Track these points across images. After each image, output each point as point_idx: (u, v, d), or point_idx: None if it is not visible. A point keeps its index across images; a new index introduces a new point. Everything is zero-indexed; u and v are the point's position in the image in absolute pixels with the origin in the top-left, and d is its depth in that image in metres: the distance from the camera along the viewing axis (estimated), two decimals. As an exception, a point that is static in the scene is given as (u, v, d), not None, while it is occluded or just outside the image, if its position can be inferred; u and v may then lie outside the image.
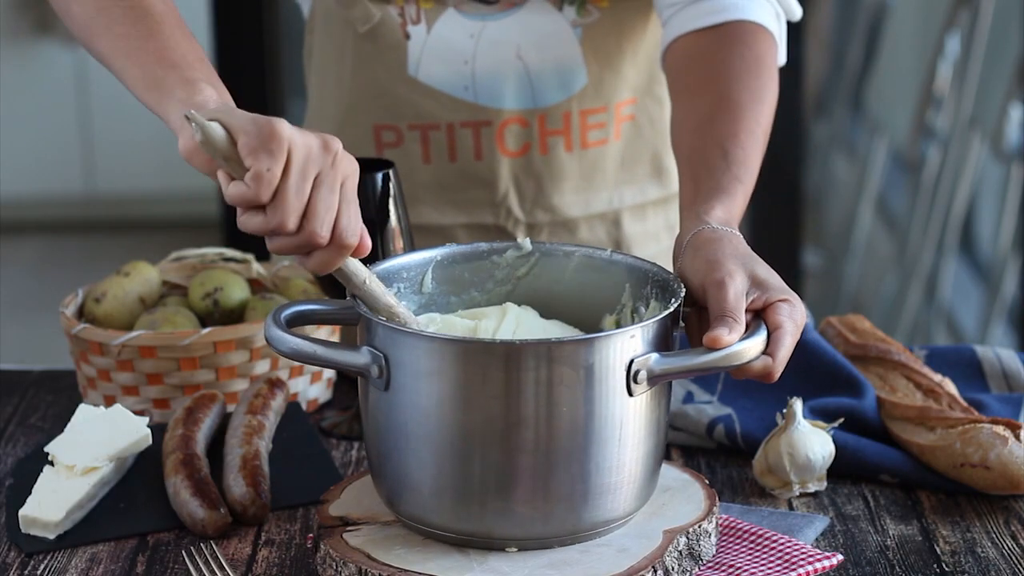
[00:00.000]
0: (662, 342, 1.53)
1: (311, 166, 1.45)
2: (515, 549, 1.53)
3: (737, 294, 1.55)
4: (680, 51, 1.90)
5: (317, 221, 1.46)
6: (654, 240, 2.17)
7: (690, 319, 1.60)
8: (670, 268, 2.14)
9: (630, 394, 1.51)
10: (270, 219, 1.45)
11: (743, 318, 1.54)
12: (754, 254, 1.61)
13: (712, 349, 1.51)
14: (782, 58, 1.91)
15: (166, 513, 1.69)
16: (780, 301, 1.56)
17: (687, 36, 1.90)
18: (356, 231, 1.48)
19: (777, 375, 1.54)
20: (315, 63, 2.12)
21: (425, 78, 2.03)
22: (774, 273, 1.59)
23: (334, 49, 2.07)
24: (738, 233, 1.64)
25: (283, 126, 1.44)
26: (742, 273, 1.57)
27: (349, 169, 1.48)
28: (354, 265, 1.52)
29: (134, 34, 1.61)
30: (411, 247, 1.83)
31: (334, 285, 1.83)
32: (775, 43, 1.89)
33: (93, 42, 1.65)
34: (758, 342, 1.53)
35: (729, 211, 1.68)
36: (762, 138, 1.79)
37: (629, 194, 2.14)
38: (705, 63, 1.86)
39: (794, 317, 1.56)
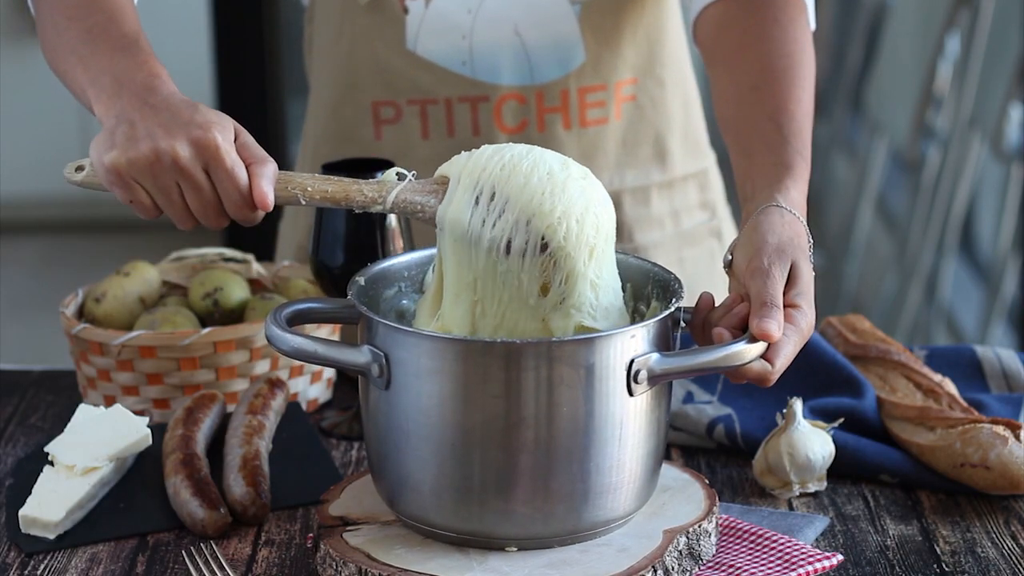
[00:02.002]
0: (663, 342, 1.53)
1: (163, 178, 1.56)
2: (515, 549, 1.53)
3: (781, 284, 1.56)
4: (710, 20, 1.88)
5: (202, 215, 1.58)
6: (658, 226, 2.16)
7: (694, 319, 1.59)
8: (674, 258, 2.15)
9: (630, 394, 1.51)
10: (176, 222, 1.60)
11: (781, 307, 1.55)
12: (806, 248, 1.61)
13: (710, 349, 1.51)
14: (812, 22, 1.87)
15: (166, 513, 1.69)
16: (792, 307, 1.56)
17: (715, 4, 1.88)
18: (240, 200, 1.57)
19: (773, 381, 1.53)
20: (315, 49, 2.13)
21: (423, 52, 2.03)
22: (810, 276, 1.59)
23: (333, 29, 2.07)
24: (803, 221, 1.64)
25: (118, 159, 1.57)
26: (788, 264, 1.57)
27: (211, 151, 1.56)
28: (283, 194, 1.58)
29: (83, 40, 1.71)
30: (411, 246, 1.83)
31: (334, 285, 1.83)
32: (804, 6, 1.86)
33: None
34: (759, 344, 1.52)
35: (801, 191, 1.67)
36: (808, 105, 1.76)
37: (631, 176, 2.13)
38: (738, 30, 1.84)
39: (800, 325, 1.55)
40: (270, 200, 1.56)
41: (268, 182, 1.57)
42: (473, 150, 1.57)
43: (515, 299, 1.54)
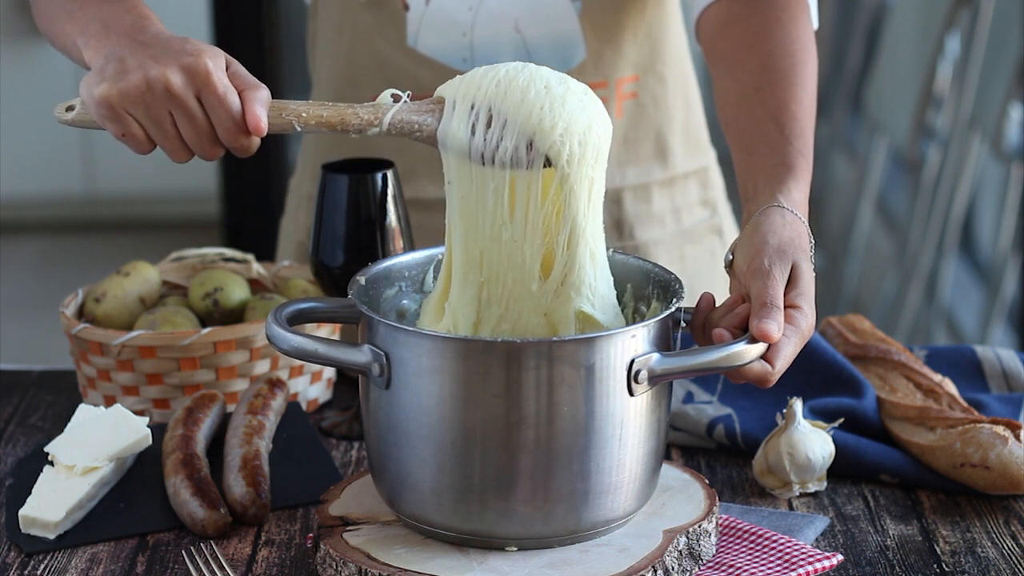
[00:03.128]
0: (663, 342, 1.53)
1: (155, 107, 1.55)
2: (515, 548, 1.53)
3: (781, 285, 1.56)
4: (713, 19, 1.88)
5: (196, 145, 1.57)
6: (659, 224, 2.16)
7: (695, 319, 1.59)
8: (675, 256, 2.15)
9: (631, 394, 1.51)
10: (170, 155, 1.59)
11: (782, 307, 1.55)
12: (807, 249, 1.61)
13: (711, 349, 1.51)
14: (815, 21, 1.87)
15: (166, 513, 1.69)
16: (792, 307, 1.55)
17: (718, 3, 1.88)
18: (233, 126, 1.56)
19: (773, 381, 1.53)
20: (318, 46, 2.13)
21: (424, 49, 2.03)
22: (811, 277, 1.58)
23: (335, 26, 2.08)
24: (804, 222, 1.64)
25: (109, 91, 1.55)
26: (788, 264, 1.57)
27: (202, 77, 1.55)
28: (278, 121, 1.56)
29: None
30: (411, 246, 1.83)
31: (334, 285, 1.83)
32: (807, 5, 1.86)
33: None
34: (760, 344, 1.52)
35: (803, 191, 1.67)
36: (810, 105, 1.76)
37: (632, 174, 2.13)
38: (741, 29, 1.84)
39: (801, 326, 1.55)
40: (263, 124, 1.55)
41: (261, 106, 1.56)
42: (466, 73, 1.56)
43: (519, 283, 1.54)
